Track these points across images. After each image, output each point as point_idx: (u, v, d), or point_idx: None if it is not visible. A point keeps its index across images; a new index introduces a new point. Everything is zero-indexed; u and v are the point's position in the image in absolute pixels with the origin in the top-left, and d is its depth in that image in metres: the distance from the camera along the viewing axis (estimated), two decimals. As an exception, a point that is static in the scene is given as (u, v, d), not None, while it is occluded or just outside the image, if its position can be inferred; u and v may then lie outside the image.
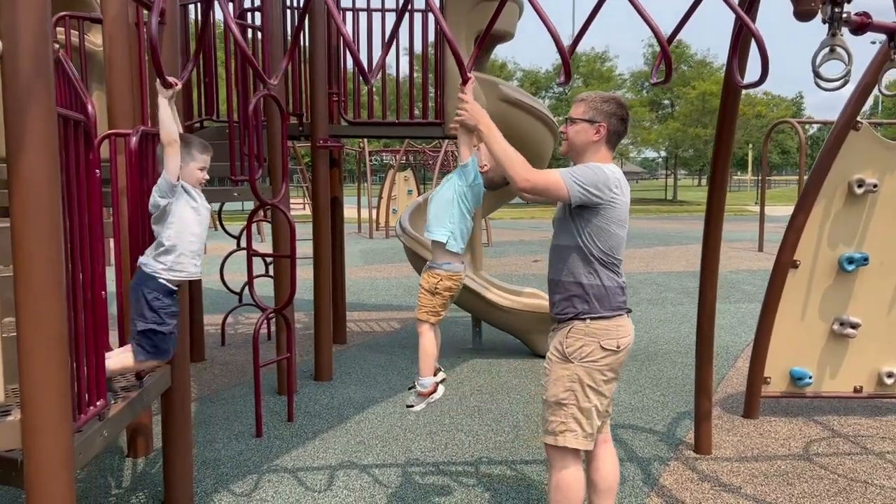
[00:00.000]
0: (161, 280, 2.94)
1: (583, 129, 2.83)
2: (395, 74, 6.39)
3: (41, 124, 2.15)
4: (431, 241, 3.06)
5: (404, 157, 22.00)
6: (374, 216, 20.98)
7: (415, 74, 6.40)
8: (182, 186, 2.97)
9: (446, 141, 20.01)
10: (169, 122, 2.87)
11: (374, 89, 6.37)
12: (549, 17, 2.77)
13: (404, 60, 7.05)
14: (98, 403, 2.67)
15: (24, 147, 2.13)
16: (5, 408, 2.31)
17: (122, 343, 3.21)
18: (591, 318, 2.76)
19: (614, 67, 43.53)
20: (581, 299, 2.78)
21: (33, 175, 2.15)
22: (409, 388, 3.21)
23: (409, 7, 2.88)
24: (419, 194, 21.92)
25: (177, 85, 2.89)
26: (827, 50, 3.33)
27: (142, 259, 2.99)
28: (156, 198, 2.94)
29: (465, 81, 2.91)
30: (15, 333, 2.22)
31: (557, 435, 2.81)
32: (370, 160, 21.58)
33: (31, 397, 2.21)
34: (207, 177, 3.12)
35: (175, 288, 3.02)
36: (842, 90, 3.47)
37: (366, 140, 20.01)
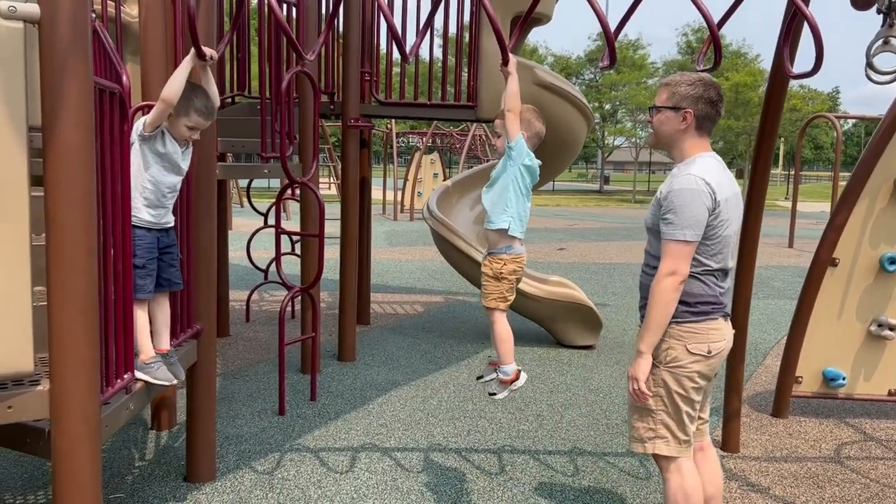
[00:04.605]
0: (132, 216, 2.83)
1: (667, 118, 2.61)
2: (427, 56, 6.30)
3: (78, 93, 2.13)
4: (493, 230, 3.01)
5: (431, 140, 21.91)
6: (399, 198, 20.96)
7: (448, 57, 6.31)
8: (161, 132, 2.85)
9: (475, 125, 19.91)
10: (177, 84, 2.74)
11: (406, 70, 6.29)
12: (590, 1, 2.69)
13: (437, 41, 6.97)
14: (125, 377, 2.67)
15: (59, 116, 2.11)
16: (34, 377, 2.30)
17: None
18: (677, 322, 2.57)
19: (647, 55, 42.87)
20: None
21: (69, 144, 2.13)
22: (478, 379, 3.19)
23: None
24: (445, 178, 21.88)
25: (213, 58, 2.85)
26: (881, 42, 3.21)
27: None
28: (133, 135, 2.83)
29: (505, 62, 2.84)
30: (45, 303, 2.21)
31: (646, 442, 2.67)
32: (397, 142, 21.54)
33: (60, 367, 2.20)
34: (196, 137, 2.97)
35: (143, 226, 2.88)
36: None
37: (393, 121, 19.94)
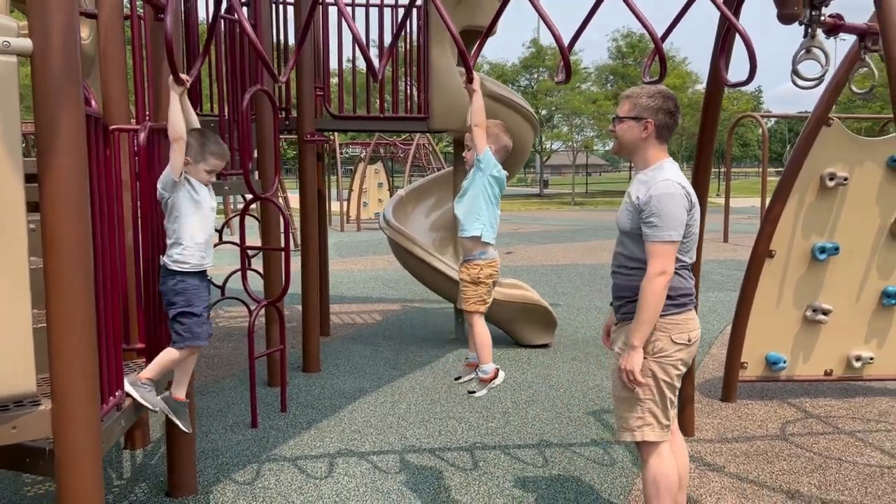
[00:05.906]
0: (173, 268, 2.99)
1: (630, 127, 2.85)
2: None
3: (71, 121, 2.21)
4: (467, 237, 3.19)
5: (374, 150, 21.98)
6: (345, 209, 20.95)
7: (397, 69, 6.48)
8: (186, 180, 3.00)
9: (418, 134, 20.09)
10: (177, 119, 2.89)
11: (357, 82, 6.42)
12: (545, 13, 2.89)
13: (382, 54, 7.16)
14: (117, 394, 2.73)
15: (54, 143, 2.19)
16: (34, 398, 2.35)
17: (143, 340, 3.26)
18: (661, 315, 2.76)
19: (580, 61, 43.91)
20: None
21: (64, 170, 2.21)
22: (456, 379, 3.36)
23: (412, 4, 2.97)
24: (390, 187, 21.99)
25: (188, 82, 2.94)
26: (804, 51, 3.52)
27: (162, 257, 3.06)
28: (160, 190, 3.01)
29: (470, 80, 3.02)
30: (44, 324, 2.28)
31: (635, 430, 2.86)
32: (340, 152, 21.54)
33: (62, 386, 2.27)
34: (214, 179, 3.13)
35: (194, 271, 3.03)
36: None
37: (336, 133, 19.94)
